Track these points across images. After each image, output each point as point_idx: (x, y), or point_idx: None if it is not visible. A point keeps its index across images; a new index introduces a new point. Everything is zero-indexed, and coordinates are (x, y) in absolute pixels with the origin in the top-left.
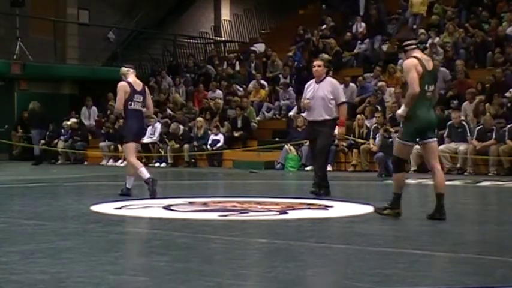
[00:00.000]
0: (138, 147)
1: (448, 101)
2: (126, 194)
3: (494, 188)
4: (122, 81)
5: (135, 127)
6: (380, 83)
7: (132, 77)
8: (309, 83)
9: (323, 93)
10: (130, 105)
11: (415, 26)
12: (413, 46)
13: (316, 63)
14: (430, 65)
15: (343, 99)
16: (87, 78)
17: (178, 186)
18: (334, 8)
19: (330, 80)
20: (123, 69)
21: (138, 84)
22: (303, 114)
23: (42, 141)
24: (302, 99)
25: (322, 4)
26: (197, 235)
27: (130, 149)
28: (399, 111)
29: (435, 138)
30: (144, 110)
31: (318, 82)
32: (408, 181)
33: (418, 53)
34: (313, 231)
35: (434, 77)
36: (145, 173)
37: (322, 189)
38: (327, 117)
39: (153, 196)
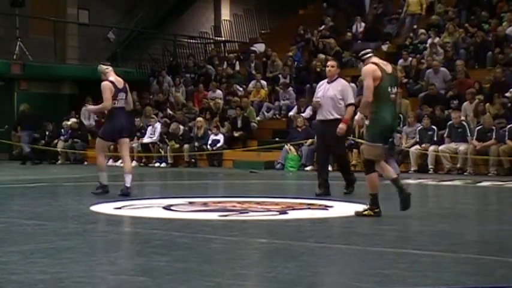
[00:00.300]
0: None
1: (448, 101)
2: (125, 194)
3: (494, 188)
4: (103, 79)
5: (118, 125)
6: None
7: (112, 75)
8: (321, 82)
9: (333, 93)
10: (115, 103)
11: (415, 26)
12: (370, 54)
13: (329, 63)
14: (388, 68)
15: (351, 100)
16: (87, 78)
17: (178, 186)
18: (337, 6)
19: (341, 81)
20: (103, 67)
21: (120, 82)
22: (303, 115)
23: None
24: (314, 99)
25: (323, 2)
26: (197, 235)
27: (101, 145)
28: (356, 117)
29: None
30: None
31: (329, 82)
32: (408, 181)
33: (375, 59)
34: (313, 231)
35: (395, 80)
36: (104, 178)
37: (350, 188)
38: (336, 117)
39: (95, 193)
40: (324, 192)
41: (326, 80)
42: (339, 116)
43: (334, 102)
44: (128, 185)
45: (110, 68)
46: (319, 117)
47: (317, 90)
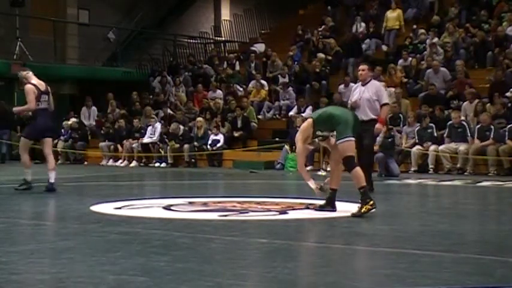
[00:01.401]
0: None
1: (448, 101)
2: (50, 190)
3: (494, 188)
4: (26, 84)
5: (43, 125)
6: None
7: (34, 79)
8: (355, 85)
9: (368, 94)
10: (38, 105)
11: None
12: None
13: (361, 67)
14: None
15: (385, 101)
16: (87, 78)
17: (178, 186)
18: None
19: (374, 83)
20: (23, 73)
21: (42, 85)
22: (303, 115)
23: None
24: (349, 100)
25: (327, 5)
26: (197, 235)
27: (24, 144)
28: None
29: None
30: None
31: (363, 84)
32: (408, 181)
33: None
34: (313, 231)
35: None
36: (28, 175)
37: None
38: (372, 117)
39: (17, 189)
40: (370, 189)
41: (360, 83)
42: (374, 116)
43: (370, 104)
44: (52, 180)
45: (30, 73)
46: None
47: (352, 93)
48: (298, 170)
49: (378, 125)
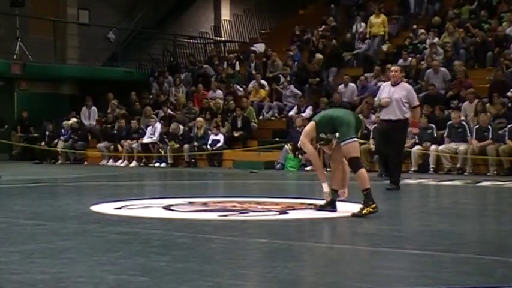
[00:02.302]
0: None
1: (448, 101)
2: None
3: (494, 188)
4: None
5: None
6: (380, 83)
7: None
8: (384, 84)
9: (398, 96)
10: None
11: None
12: None
13: (394, 68)
14: None
15: (416, 102)
16: (87, 78)
17: (178, 186)
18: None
19: (404, 85)
20: None
21: None
22: (303, 115)
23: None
24: (376, 99)
25: (330, 3)
26: (197, 235)
27: None
28: None
29: None
30: None
31: (394, 85)
32: (408, 181)
33: None
34: (313, 231)
35: None
36: None
37: (395, 185)
38: (401, 117)
39: None
40: (397, 188)
41: (389, 83)
42: (402, 117)
43: (399, 104)
44: None
45: None
46: (384, 117)
47: (381, 92)
48: (315, 170)
49: (414, 130)
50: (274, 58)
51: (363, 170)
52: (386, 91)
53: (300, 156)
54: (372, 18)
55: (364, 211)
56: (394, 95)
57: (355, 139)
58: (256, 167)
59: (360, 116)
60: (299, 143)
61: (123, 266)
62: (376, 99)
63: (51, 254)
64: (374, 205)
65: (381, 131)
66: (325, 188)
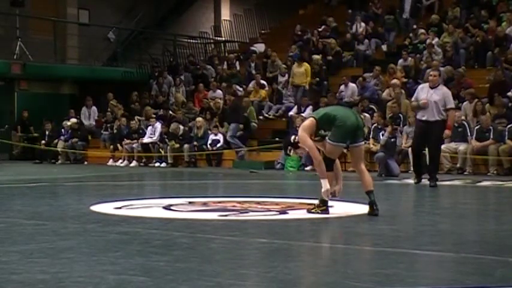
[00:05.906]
0: None
1: None
2: None
3: (494, 188)
4: None
5: None
6: (373, 81)
7: None
8: (421, 86)
9: (437, 98)
10: None
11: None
12: None
13: (432, 73)
14: None
15: (451, 105)
16: (87, 78)
17: (178, 186)
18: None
19: (443, 88)
20: None
21: None
22: (303, 114)
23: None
24: (414, 99)
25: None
26: (197, 235)
27: None
28: None
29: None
30: None
31: (432, 88)
32: (408, 181)
33: None
34: (313, 231)
35: None
36: None
37: (432, 181)
38: (438, 119)
39: None
40: (434, 185)
41: (427, 85)
42: (439, 118)
43: (437, 106)
44: None
45: None
46: (421, 117)
47: (419, 93)
48: (315, 165)
49: (447, 131)
50: (274, 58)
51: (330, 174)
52: (424, 92)
53: (291, 152)
54: (294, 68)
55: (314, 210)
56: (433, 97)
57: (342, 145)
58: (256, 167)
59: (365, 115)
60: (292, 138)
61: (123, 266)
62: (413, 99)
63: (51, 254)
64: (325, 208)
65: (418, 131)
66: (325, 184)
